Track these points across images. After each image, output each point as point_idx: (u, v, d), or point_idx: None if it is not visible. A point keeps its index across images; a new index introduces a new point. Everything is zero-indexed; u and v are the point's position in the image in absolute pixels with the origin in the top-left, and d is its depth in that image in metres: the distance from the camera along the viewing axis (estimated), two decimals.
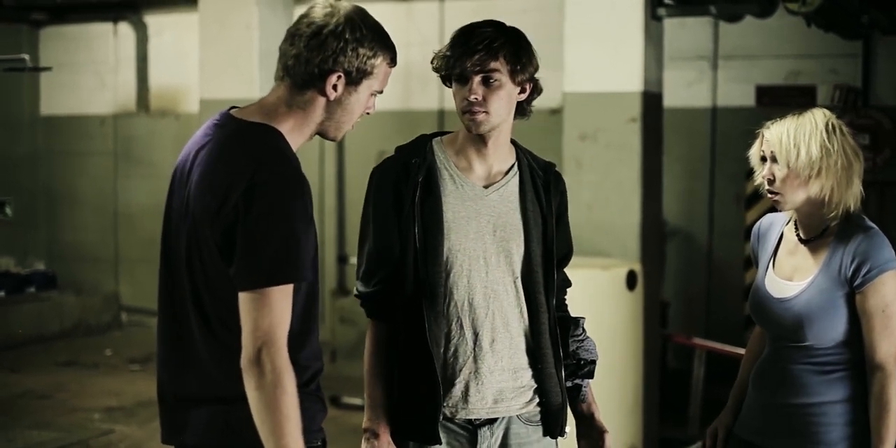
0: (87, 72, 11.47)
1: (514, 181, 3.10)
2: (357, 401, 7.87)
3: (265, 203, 2.41)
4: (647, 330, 6.14)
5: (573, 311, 3.30)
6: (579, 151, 6.54)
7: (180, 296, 2.59)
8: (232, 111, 2.67)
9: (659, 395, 6.74)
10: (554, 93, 8.70)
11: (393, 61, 2.66)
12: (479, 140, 3.04)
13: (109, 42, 11.39)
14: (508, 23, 3.17)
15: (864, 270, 2.88)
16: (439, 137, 3.13)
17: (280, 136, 2.55)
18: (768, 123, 3.03)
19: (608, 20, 6.47)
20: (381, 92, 2.65)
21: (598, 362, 3.24)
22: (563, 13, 6.61)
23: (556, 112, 8.90)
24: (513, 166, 3.13)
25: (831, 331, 2.93)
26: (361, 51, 2.58)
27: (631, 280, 5.72)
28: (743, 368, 3.28)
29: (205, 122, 2.76)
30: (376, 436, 3.02)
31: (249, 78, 7.38)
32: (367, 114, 2.68)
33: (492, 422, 3.01)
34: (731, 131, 8.93)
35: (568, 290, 3.33)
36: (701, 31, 9.10)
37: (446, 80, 3.03)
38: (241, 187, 2.43)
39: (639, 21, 6.43)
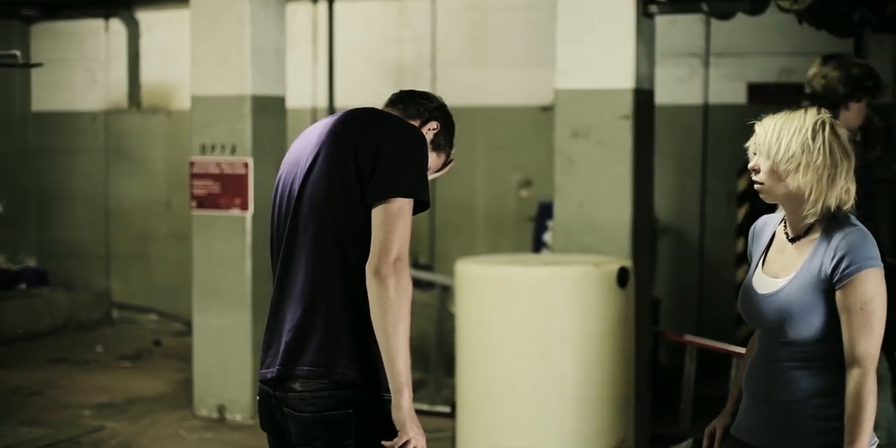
0: (79, 68, 11.44)
1: None
2: None
3: (406, 143, 3.00)
4: (638, 327, 6.15)
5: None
6: (571, 149, 6.54)
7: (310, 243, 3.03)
8: None
9: (650, 391, 6.76)
10: (545, 90, 8.75)
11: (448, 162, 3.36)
12: None
13: (101, 38, 11.36)
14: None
15: (842, 267, 2.89)
16: None
17: None
18: (764, 116, 3.07)
19: (600, 17, 6.47)
20: (436, 171, 3.30)
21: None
22: (555, 10, 6.61)
23: (547, 109, 8.91)
24: None
25: (811, 327, 2.94)
26: (451, 138, 3.33)
27: (622, 277, 5.73)
28: (741, 368, 3.30)
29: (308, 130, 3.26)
30: None
31: (241, 74, 7.37)
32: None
33: None
34: (722, 129, 8.95)
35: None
36: (692, 29, 9.11)
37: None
38: (382, 131, 3.01)
39: (630, 18, 6.43)
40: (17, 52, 6.59)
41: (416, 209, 2.99)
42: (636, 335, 6.06)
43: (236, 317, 7.48)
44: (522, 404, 5.61)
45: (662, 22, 7.74)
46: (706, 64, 9.18)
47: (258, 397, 3.21)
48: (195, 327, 7.69)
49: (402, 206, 2.91)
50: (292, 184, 3.11)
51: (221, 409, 7.52)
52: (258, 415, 3.26)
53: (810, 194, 2.95)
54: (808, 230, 3.01)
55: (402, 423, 2.90)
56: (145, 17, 11.12)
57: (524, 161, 9.57)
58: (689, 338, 7.02)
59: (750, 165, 3.06)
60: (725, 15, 7.47)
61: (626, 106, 6.44)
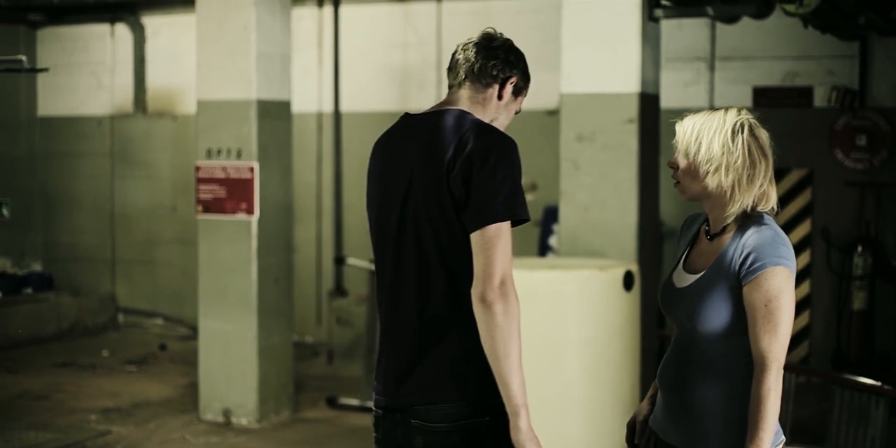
0: (85, 73, 11.47)
1: None
2: (354, 401, 7.87)
3: (495, 155, 2.95)
4: (643, 330, 6.15)
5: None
6: (576, 152, 6.55)
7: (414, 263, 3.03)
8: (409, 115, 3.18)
9: None
10: (551, 94, 8.75)
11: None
12: None
13: (107, 43, 11.39)
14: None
15: (749, 264, 2.91)
16: None
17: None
18: (686, 115, 3.10)
19: (605, 21, 6.48)
20: (518, 111, 3.23)
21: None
22: (561, 14, 6.61)
23: (553, 113, 8.92)
24: None
25: (718, 321, 2.96)
26: (527, 73, 3.21)
27: (628, 281, 5.72)
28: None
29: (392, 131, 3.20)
30: None
31: (246, 79, 7.38)
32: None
33: None
34: None
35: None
36: (698, 33, 9.11)
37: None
38: (469, 147, 2.95)
39: (636, 22, 6.43)
40: (24, 57, 6.61)
41: (517, 222, 2.99)
42: (641, 339, 6.05)
43: (242, 321, 7.48)
44: None
45: (668, 26, 7.75)
46: (712, 68, 9.18)
47: (377, 410, 3.16)
48: (201, 331, 7.69)
49: (500, 228, 2.93)
50: (390, 210, 3.09)
51: (227, 414, 7.53)
52: (374, 428, 3.19)
53: (730, 194, 2.99)
54: (724, 228, 3.04)
55: (521, 445, 2.91)
56: (151, 22, 11.15)
57: (529, 165, 9.48)
58: None
59: (669, 162, 3.10)
60: (731, 19, 7.48)
61: (632, 110, 6.45)
